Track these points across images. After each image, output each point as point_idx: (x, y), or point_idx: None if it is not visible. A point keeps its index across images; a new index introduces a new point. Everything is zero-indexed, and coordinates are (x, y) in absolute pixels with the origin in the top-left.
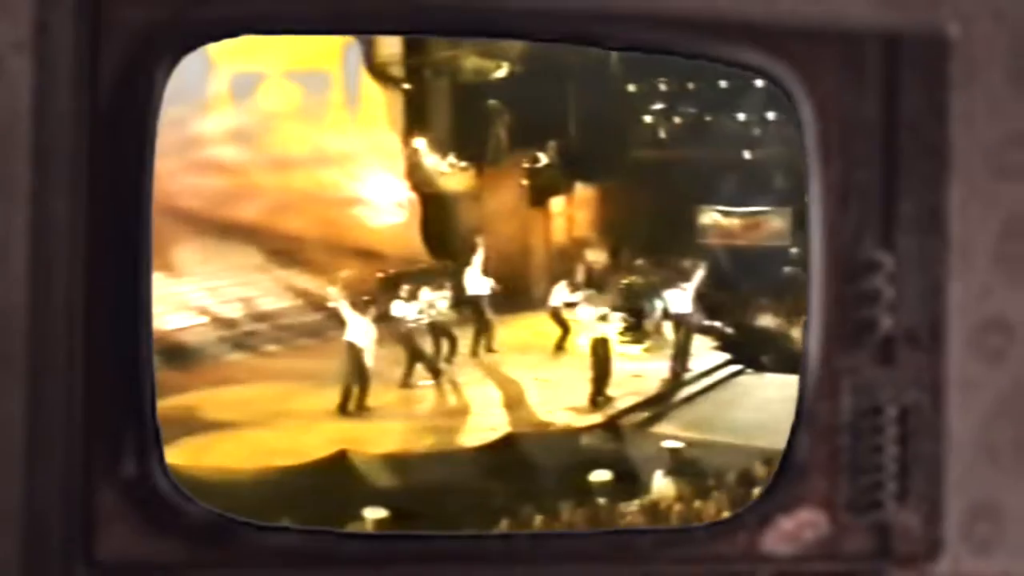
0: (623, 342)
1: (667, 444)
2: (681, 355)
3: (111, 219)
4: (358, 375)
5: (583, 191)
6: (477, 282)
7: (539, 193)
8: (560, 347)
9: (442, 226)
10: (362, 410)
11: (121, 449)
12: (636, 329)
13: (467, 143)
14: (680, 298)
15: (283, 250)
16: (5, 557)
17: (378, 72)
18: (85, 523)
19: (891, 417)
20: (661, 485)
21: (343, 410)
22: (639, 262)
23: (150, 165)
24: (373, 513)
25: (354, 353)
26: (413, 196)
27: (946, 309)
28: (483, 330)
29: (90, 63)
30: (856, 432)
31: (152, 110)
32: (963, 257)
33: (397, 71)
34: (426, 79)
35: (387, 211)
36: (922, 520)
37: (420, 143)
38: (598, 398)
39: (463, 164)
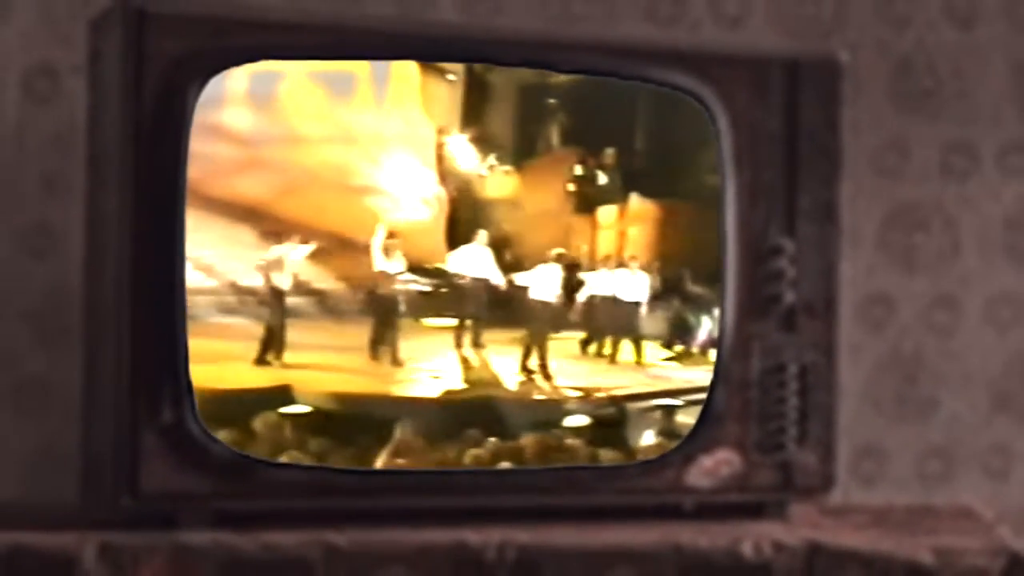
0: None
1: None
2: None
3: (152, 213)
4: None
5: (640, 205)
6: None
7: (587, 201)
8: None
9: (471, 231)
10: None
11: (160, 401)
12: (684, 354)
13: (513, 143)
14: None
15: (280, 233)
16: (69, 489)
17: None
18: (131, 462)
19: (792, 374)
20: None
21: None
22: (695, 288)
23: (184, 168)
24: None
25: None
26: (442, 192)
27: (838, 286)
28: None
29: (134, 84)
30: (764, 386)
31: (185, 123)
32: (852, 242)
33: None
34: (476, 71)
35: (410, 206)
36: (818, 459)
37: (459, 139)
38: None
39: (505, 167)
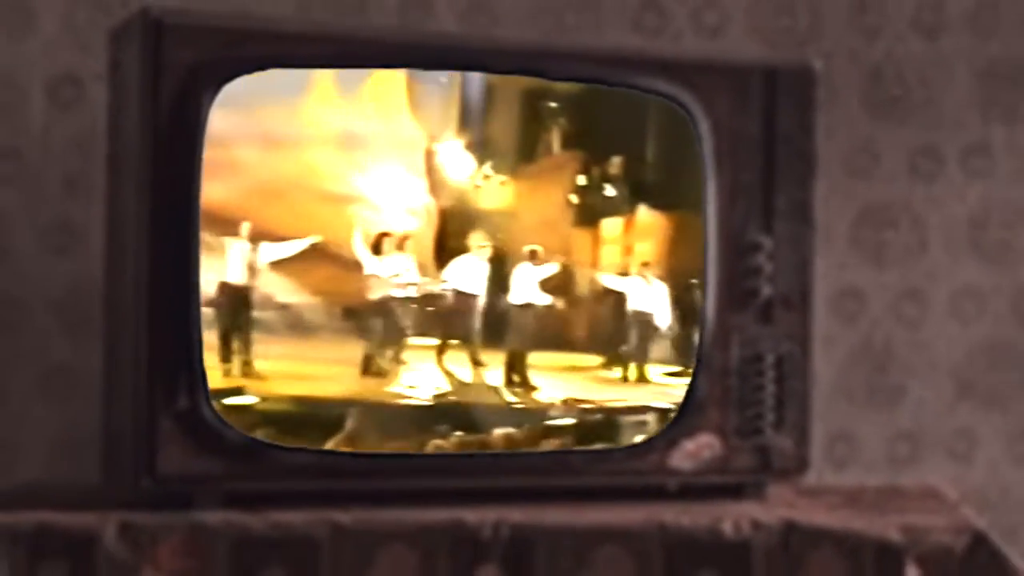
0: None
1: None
2: None
3: (168, 212)
4: None
5: (648, 218)
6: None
7: (590, 213)
8: None
9: (461, 245)
10: None
11: (176, 388)
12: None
13: (511, 150)
14: None
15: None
16: (91, 471)
17: None
18: (149, 446)
19: (770, 363)
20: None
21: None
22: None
23: (199, 170)
24: None
25: None
26: (432, 202)
27: (812, 280)
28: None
29: (152, 92)
30: (743, 375)
31: (200, 127)
32: (825, 239)
33: None
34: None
35: (395, 216)
36: (793, 443)
37: (452, 145)
38: None
39: (501, 177)
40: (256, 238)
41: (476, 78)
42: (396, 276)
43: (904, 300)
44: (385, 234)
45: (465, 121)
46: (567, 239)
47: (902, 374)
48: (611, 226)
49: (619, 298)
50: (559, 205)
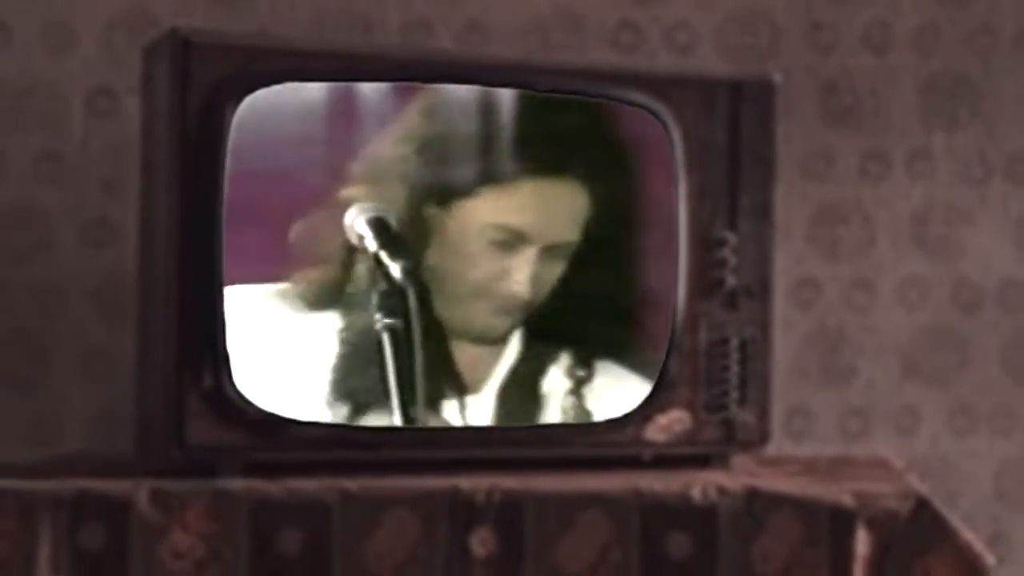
0: None
1: None
2: None
3: (195, 211)
4: None
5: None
6: None
7: None
8: None
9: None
10: None
11: (202, 368)
12: None
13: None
14: None
15: None
16: (126, 443)
17: None
18: (177, 420)
19: (734, 346)
20: None
21: None
22: None
23: (223, 173)
24: None
25: None
26: None
27: (772, 272)
28: None
29: (180, 103)
30: (710, 356)
31: (224, 135)
32: (784, 235)
33: None
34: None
35: None
36: (756, 418)
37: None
38: None
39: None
40: None
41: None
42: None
43: (855, 289)
44: None
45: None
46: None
47: (853, 355)
48: None
49: None
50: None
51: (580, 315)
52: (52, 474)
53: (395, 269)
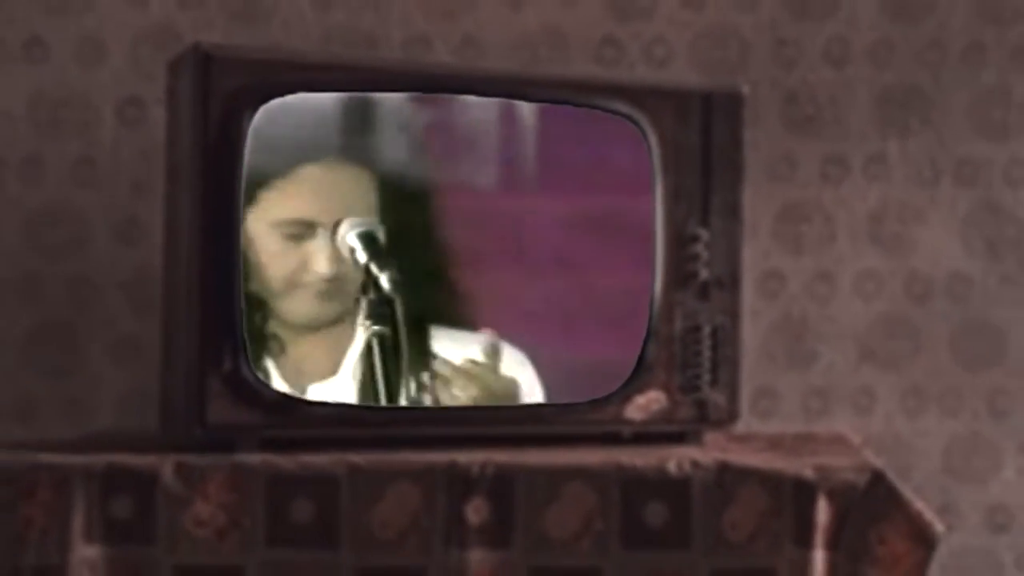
0: None
1: None
2: None
3: (215, 210)
4: None
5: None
6: None
7: None
8: None
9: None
10: None
11: (221, 354)
12: None
13: None
14: None
15: None
16: (152, 421)
17: None
18: (199, 401)
19: (706, 333)
20: None
21: None
22: None
23: (240, 176)
24: None
25: None
26: None
27: (741, 265)
28: None
29: (201, 112)
30: (684, 342)
31: (241, 141)
32: (752, 232)
33: None
34: None
35: None
36: (726, 398)
37: None
38: None
39: None
40: None
41: None
42: None
43: (816, 281)
44: None
45: None
46: None
47: (815, 342)
48: None
49: None
50: None
51: (408, 288)
52: (85, 449)
53: (383, 279)
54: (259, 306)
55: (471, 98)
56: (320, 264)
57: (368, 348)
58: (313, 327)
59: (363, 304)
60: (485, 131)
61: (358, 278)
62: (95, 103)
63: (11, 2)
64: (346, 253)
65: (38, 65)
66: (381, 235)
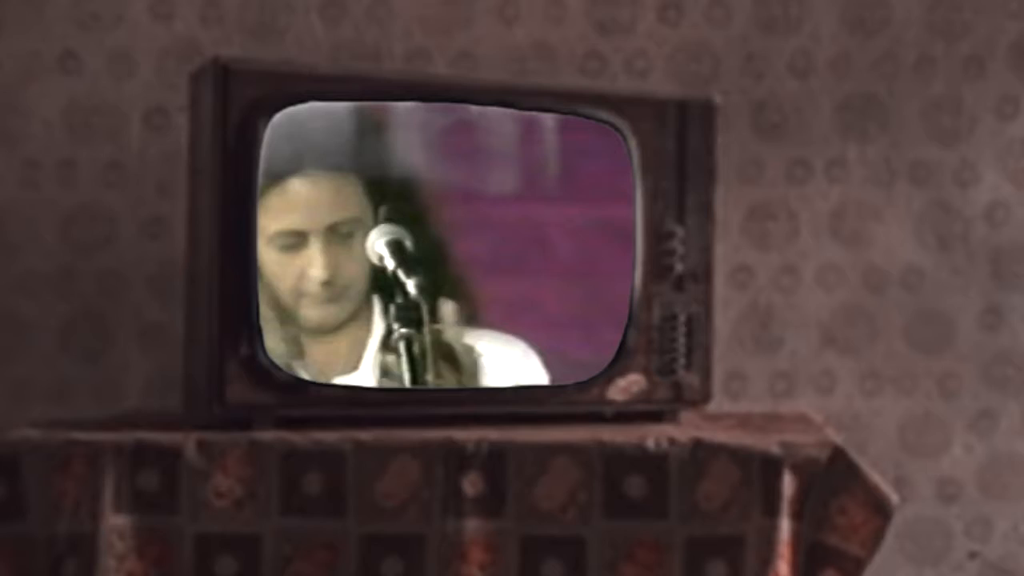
0: None
1: None
2: None
3: (233, 209)
4: None
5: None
6: None
7: None
8: None
9: None
10: None
11: (239, 339)
12: None
13: None
14: None
15: None
16: (176, 402)
17: None
18: (219, 382)
19: (682, 321)
20: None
21: None
22: None
23: (256, 177)
24: None
25: None
26: None
27: (713, 259)
28: None
29: (221, 119)
30: (662, 330)
31: (257, 147)
32: (723, 229)
33: None
34: None
35: None
36: (699, 380)
37: None
38: None
39: None
40: None
41: None
42: None
43: (782, 274)
44: None
45: None
46: None
47: (780, 329)
48: None
49: None
50: None
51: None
52: (114, 427)
53: (410, 285)
54: (278, 315)
55: (473, 108)
56: (316, 270)
57: (395, 349)
58: (327, 330)
59: (391, 308)
60: (493, 140)
61: (364, 277)
62: (124, 111)
63: (47, 19)
64: (375, 260)
65: (72, 76)
66: (408, 243)
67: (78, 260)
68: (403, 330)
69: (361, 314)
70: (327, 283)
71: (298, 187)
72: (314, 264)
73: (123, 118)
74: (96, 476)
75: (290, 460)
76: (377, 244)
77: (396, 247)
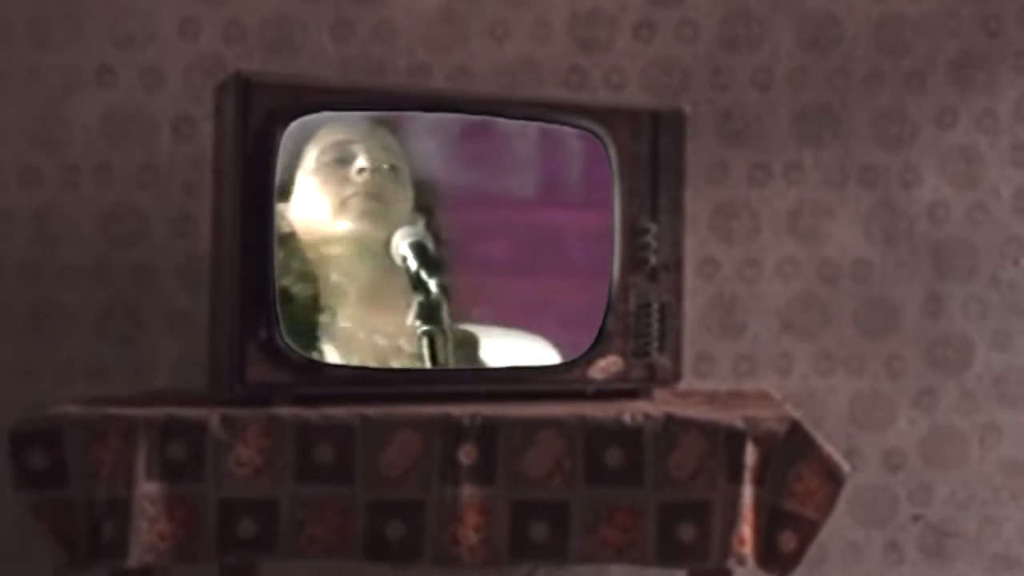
0: None
1: None
2: None
3: (252, 207)
4: None
5: None
6: None
7: None
8: None
9: None
10: None
11: (258, 324)
12: None
13: None
14: None
15: None
16: (201, 381)
17: None
18: (240, 363)
19: (655, 309)
20: None
21: None
22: None
23: (273, 180)
24: None
25: None
26: None
27: (683, 253)
28: None
29: (242, 127)
30: (637, 316)
31: (274, 152)
32: (692, 226)
33: None
34: None
35: None
36: (671, 362)
37: None
38: None
39: None
40: None
41: None
42: None
43: (744, 266)
44: None
45: None
46: None
47: (743, 315)
48: None
49: None
50: None
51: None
52: (146, 404)
53: (432, 284)
54: (310, 299)
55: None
56: (360, 161)
57: (418, 343)
58: (362, 284)
59: (414, 306)
60: (498, 148)
61: (405, 203)
62: (155, 120)
63: (86, 37)
64: (399, 261)
65: (108, 89)
66: (430, 244)
67: (114, 254)
68: (425, 327)
69: (390, 244)
70: (373, 170)
71: (340, 127)
72: (359, 158)
73: (154, 126)
74: (130, 447)
75: (304, 433)
76: (401, 246)
77: (419, 248)
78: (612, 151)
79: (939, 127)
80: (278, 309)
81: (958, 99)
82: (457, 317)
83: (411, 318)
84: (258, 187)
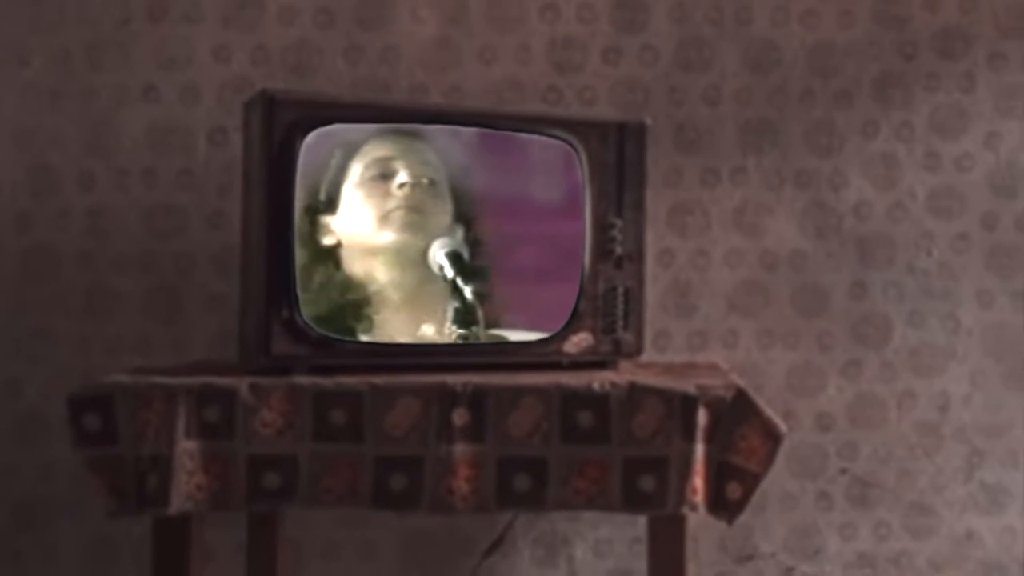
0: None
1: None
2: None
3: (276, 206)
4: None
5: None
6: None
7: None
8: None
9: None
10: None
11: (280, 305)
12: None
13: None
14: None
15: None
16: (233, 355)
17: None
18: (266, 339)
19: (620, 292)
20: None
21: None
22: None
23: (293, 183)
24: None
25: None
26: None
27: (645, 245)
28: None
29: (267, 137)
30: (605, 299)
31: (295, 158)
32: (652, 221)
33: None
34: None
35: None
36: (634, 337)
37: None
38: None
39: None
40: None
41: None
42: None
43: (697, 256)
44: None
45: None
46: None
47: (696, 298)
48: None
49: None
50: None
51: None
52: (186, 374)
53: (467, 291)
54: (358, 299)
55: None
56: (401, 176)
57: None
58: (404, 260)
59: (450, 311)
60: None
61: (444, 217)
62: (192, 131)
63: (133, 60)
64: (436, 270)
65: (152, 104)
66: (465, 253)
67: (157, 245)
68: (460, 331)
69: (428, 281)
70: (413, 185)
71: (383, 141)
72: (400, 174)
73: (192, 136)
74: (171, 411)
75: (320, 399)
76: (438, 255)
77: (455, 258)
78: (583, 158)
79: (863, 137)
80: (298, 292)
81: (880, 113)
82: (489, 323)
83: (448, 324)
84: (280, 188)
